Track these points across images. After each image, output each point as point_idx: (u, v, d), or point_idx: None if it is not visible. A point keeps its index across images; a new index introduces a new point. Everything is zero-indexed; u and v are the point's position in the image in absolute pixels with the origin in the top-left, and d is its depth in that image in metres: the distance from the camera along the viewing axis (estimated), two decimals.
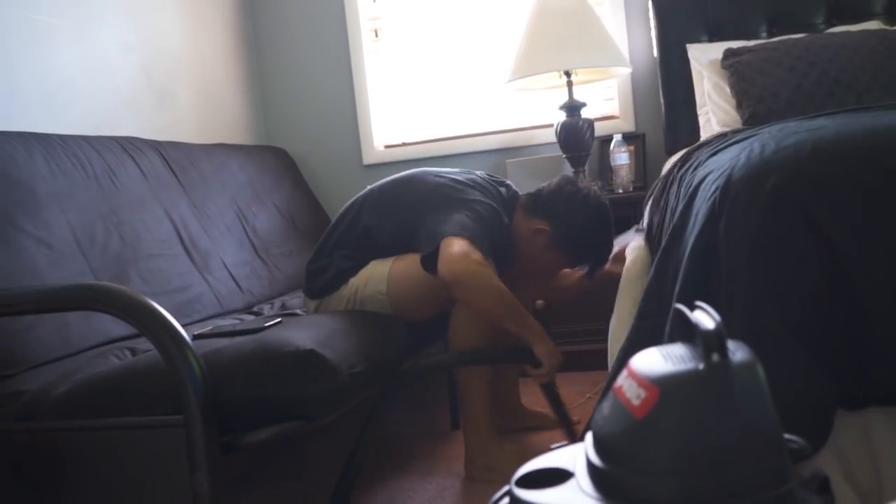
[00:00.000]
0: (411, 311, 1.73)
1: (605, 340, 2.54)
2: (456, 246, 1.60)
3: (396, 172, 1.91)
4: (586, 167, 2.71)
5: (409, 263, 1.71)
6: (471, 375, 1.73)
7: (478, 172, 1.90)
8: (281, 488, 1.88)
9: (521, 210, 1.87)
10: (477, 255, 1.60)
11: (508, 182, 1.95)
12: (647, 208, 1.70)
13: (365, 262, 1.76)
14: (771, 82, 2.17)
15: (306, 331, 1.35)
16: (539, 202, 1.86)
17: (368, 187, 1.91)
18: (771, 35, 2.54)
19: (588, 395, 2.29)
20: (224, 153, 2.59)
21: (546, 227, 1.81)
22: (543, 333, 1.69)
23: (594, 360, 2.51)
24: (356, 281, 1.74)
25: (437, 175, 1.84)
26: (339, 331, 1.43)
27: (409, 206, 1.77)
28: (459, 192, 1.76)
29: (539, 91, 2.87)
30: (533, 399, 2.26)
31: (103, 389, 1.28)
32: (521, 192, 1.95)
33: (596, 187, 1.90)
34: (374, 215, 1.79)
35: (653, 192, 1.70)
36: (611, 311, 1.57)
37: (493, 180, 1.89)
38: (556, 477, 0.66)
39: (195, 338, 1.45)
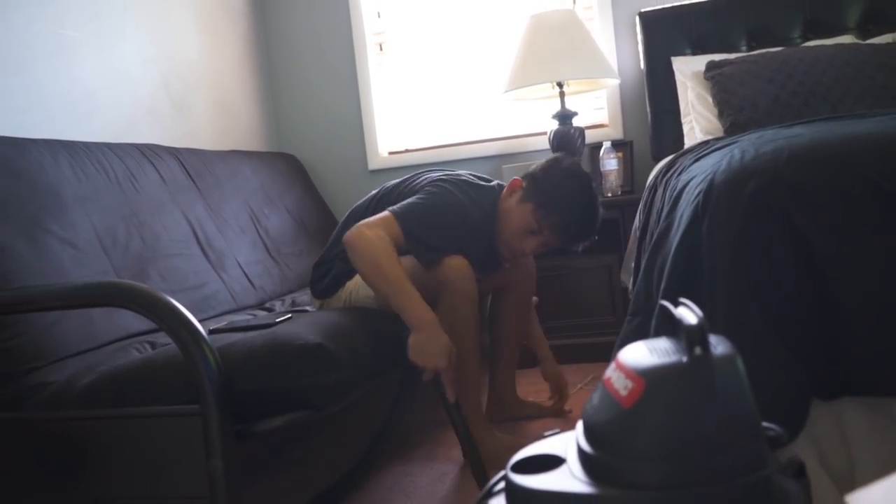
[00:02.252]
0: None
1: (596, 335, 2.56)
2: (374, 218, 1.59)
3: (400, 177, 1.90)
4: None
5: None
6: (462, 372, 1.72)
7: (467, 173, 1.86)
8: (290, 474, 1.88)
9: (503, 192, 1.82)
10: (383, 231, 1.55)
11: (499, 181, 1.90)
12: (638, 212, 1.70)
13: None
14: (751, 93, 2.17)
15: (315, 326, 1.35)
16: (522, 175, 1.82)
17: (375, 190, 1.90)
18: (751, 48, 2.54)
19: (580, 385, 2.29)
20: (238, 159, 2.59)
21: (520, 181, 1.77)
22: (424, 322, 1.49)
23: (585, 353, 2.52)
24: (351, 284, 1.74)
25: (428, 173, 1.82)
26: (346, 325, 1.43)
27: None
28: (431, 183, 1.73)
29: (533, 101, 2.87)
30: (528, 390, 2.26)
31: (125, 381, 1.28)
32: None
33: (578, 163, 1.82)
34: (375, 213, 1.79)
35: (644, 199, 1.70)
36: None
37: (480, 178, 1.85)
38: (549, 463, 0.66)
39: (211, 332, 1.44)
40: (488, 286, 2.01)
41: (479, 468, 1.54)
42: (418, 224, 1.63)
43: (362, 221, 1.61)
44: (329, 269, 1.79)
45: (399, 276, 1.52)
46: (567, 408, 2.07)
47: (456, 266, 1.65)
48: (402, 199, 1.71)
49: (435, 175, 1.79)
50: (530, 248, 1.76)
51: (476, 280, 1.70)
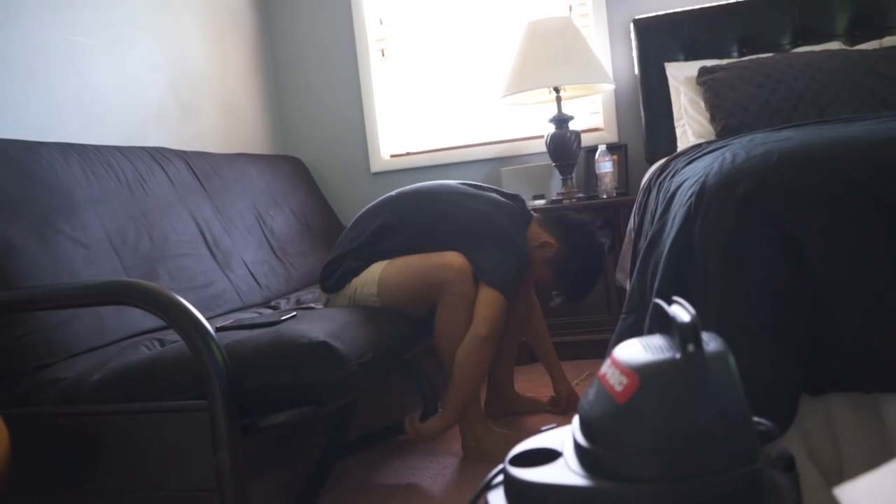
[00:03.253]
0: (400, 310, 1.71)
1: (591, 332, 2.56)
2: (498, 302, 1.66)
3: (401, 179, 1.90)
4: (574, 175, 2.71)
5: (397, 268, 1.71)
6: (463, 369, 1.72)
7: (493, 192, 1.87)
8: (294, 468, 1.88)
9: (536, 222, 1.89)
10: (496, 323, 1.66)
11: (517, 195, 1.93)
12: (632, 214, 1.70)
13: (369, 264, 1.75)
14: (741, 97, 2.17)
15: (319, 324, 1.35)
16: (556, 221, 1.89)
17: (395, 191, 1.88)
18: (742, 54, 2.54)
19: (576, 381, 2.29)
20: (244, 162, 2.58)
21: (554, 242, 1.83)
22: (449, 419, 1.69)
23: (581, 350, 2.52)
24: (357, 281, 1.74)
25: (465, 194, 1.82)
26: (349, 323, 1.43)
27: (435, 216, 1.77)
28: (494, 221, 1.76)
29: (531, 105, 2.87)
30: (525, 385, 2.26)
31: (134, 377, 1.28)
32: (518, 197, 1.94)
33: (600, 233, 1.94)
34: (394, 216, 1.78)
35: (638, 201, 1.70)
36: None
37: (508, 197, 1.88)
38: (546, 456, 0.66)
39: (218, 330, 1.44)
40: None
41: None
42: (514, 280, 1.71)
43: (494, 310, 1.66)
44: (338, 266, 1.79)
45: (478, 378, 1.71)
46: (563, 403, 2.07)
47: (456, 267, 1.65)
48: (456, 224, 1.74)
49: (486, 208, 1.78)
50: (530, 287, 2.00)
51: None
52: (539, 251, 1.84)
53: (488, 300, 1.66)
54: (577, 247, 1.84)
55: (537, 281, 1.94)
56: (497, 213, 1.77)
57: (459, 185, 1.87)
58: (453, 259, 1.66)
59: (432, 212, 1.78)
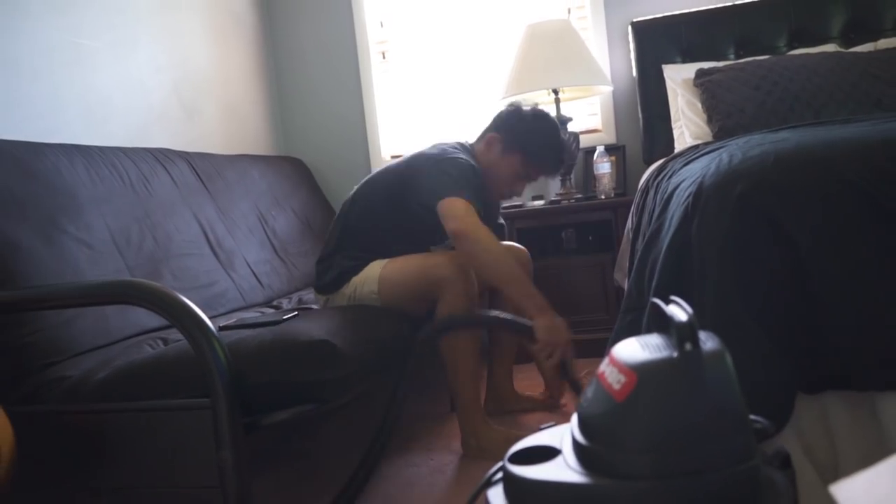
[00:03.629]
0: (400, 308, 1.71)
1: (590, 331, 2.56)
2: (458, 205, 1.61)
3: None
4: (572, 176, 2.71)
5: (397, 267, 1.71)
6: (458, 366, 1.71)
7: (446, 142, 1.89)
8: (297, 465, 1.88)
9: (477, 144, 1.90)
10: (475, 217, 1.61)
11: (464, 140, 1.94)
12: (630, 214, 1.70)
13: (366, 261, 1.75)
14: (738, 99, 2.17)
15: (320, 322, 1.36)
16: (489, 125, 1.90)
17: (356, 187, 1.93)
18: (738, 56, 2.54)
19: None
20: (246, 163, 2.58)
21: (495, 134, 1.84)
22: (545, 307, 1.57)
23: (579, 349, 2.51)
24: (356, 280, 1.74)
25: (399, 160, 1.88)
26: (350, 322, 1.43)
27: (396, 171, 1.81)
28: (443, 151, 1.78)
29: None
30: (525, 385, 2.26)
31: (138, 375, 1.28)
32: None
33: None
34: (367, 196, 1.83)
35: (636, 202, 1.70)
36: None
37: (456, 143, 1.89)
38: (545, 454, 0.66)
39: (221, 329, 1.44)
40: (484, 283, 2.01)
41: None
42: (475, 196, 1.67)
43: (454, 214, 1.61)
44: (331, 265, 1.79)
45: (517, 270, 1.62)
46: (562, 402, 2.07)
47: (455, 264, 1.65)
48: (412, 166, 1.76)
49: (437, 152, 1.79)
50: (520, 189, 1.92)
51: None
52: (489, 152, 1.84)
53: (451, 210, 1.62)
54: (517, 118, 1.84)
55: (512, 182, 1.87)
56: (425, 150, 1.81)
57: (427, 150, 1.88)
58: (452, 256, 1.66)
59: (393, 169, 1.83)
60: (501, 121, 1.86)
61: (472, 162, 1.79)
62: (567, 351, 1.57)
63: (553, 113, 2.64)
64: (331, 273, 1.78)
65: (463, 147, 1.86)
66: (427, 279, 1.65)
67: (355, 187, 1.92)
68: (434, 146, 1.83)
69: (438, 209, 1.64)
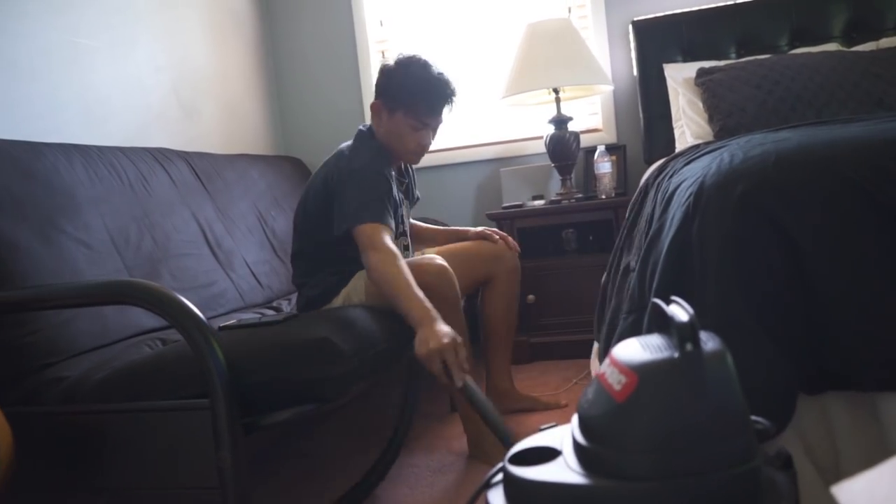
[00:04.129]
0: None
1: (590, 332, 2.56)
2: (364, 234, 1.56)
3: None
4: (573, 175, 2.71)
5: None
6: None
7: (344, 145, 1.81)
8: (297, 465, 1.88)
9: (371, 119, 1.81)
10: (380, 239, 1.55)
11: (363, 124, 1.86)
12: (628, 212, 1.70)
13: (348, 277, 1.71)
14: (739, 98, 2.17)
15: (320, 322, 1.35)
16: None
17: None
18: (739, 56, 2.54)
19: (574, 380, 2.29)
20: (246, 162, 2.58)
21: (376, 101, 1.77)
22: (425, 319, 1.43)
23: (580, 350, 2.51)
24: (344, 292, 1.71)
25: (329, 165, 1.77)
26: (350, 321, 1.42)
27: (316, 198, 1.74)
28: (346, 163, 1.70)
29: (530, 106, 2.87)
30: (524, 385, 2.26)
31: (137, 376, 1.27)
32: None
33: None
34: (309, 222, 1.77)
35: (634, 203, 1.70)
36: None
37: (358, 131, 1.82)
38: (546, 455, 0.66)
39: (220, 329, 1.44)
40: (473, 281, 2.01)
41: (504, 437, 1.39)
42: (378, 202, 1.61)
43: (360, 242, 1.57)
44: (316, 282, 1.75)
45: (401, 286, 1.49)
46: (563, 402, 2.07)
47: (435, 270, 1.63)
48: (337, 211, 1.66)
49: (340, 169, 1.70)
50: (426, 141, 1.78)
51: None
52: (379, 121, 1.76)
53: (359, 239, 1.56)
54: (384, 76, 1.76)
55: (409, 139, 1.74)
56: (331, 165, 1.74)
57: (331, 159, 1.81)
58: (429, 262, 1.65)
59: (313, 209, 1.75)
60: (376, 86, 1.79)
61: (369, 153, 1.72)
62: (453, 360, 1.39)
63: (554, 112, 2.65)
64: (315, 290, 1.74)
65: (362, 134, 1.80)
66: None
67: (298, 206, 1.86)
68: (337, 153, 1.77)
69: (354, 238, 1.61)
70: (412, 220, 2.08)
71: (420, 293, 1.49)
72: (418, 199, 2.03)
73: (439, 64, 1.80)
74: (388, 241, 1.57)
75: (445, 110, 1.78)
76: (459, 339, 1.44)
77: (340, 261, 1.70)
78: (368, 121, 1.84)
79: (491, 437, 1.72)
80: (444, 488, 1.61)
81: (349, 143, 1.80)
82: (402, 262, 1.53)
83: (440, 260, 1.67)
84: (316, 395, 1.22)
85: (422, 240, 2.13)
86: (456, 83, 1.79)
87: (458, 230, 2.12)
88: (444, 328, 1.43)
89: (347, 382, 1.26)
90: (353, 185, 1.65)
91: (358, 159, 1.70)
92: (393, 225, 1.65)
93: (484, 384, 2.06)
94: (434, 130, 1.80)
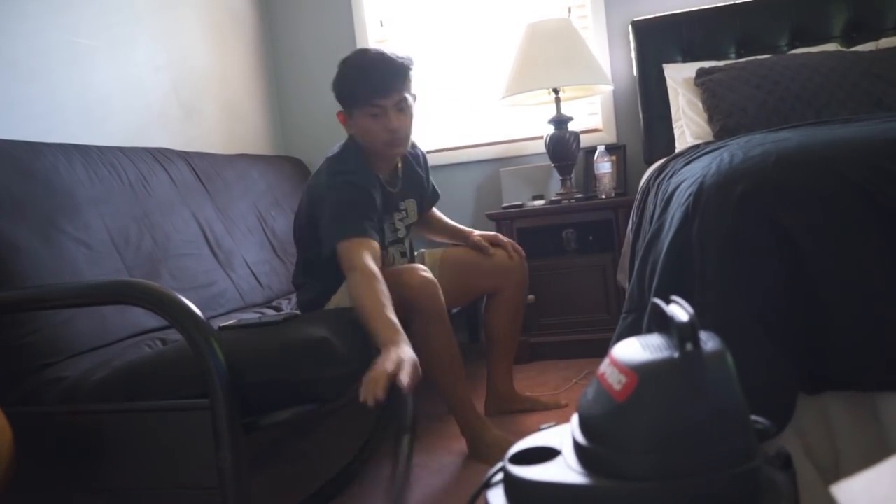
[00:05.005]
0: None
1: (591, 332, 2.56)
2: (342, 252, 1.56)
3: None
4: (573, 175, 2.71)
5: None
6: (450, 380, 1.69)
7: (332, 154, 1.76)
8: (296, 465, 1.88)
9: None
10: (357, 258, 1.53)
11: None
12: (631, 214, 1.70)
13: (338, 282, 1.70)
14: (739, 98, 2.17)
15: (320, 322, 1.35)
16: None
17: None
18: (739, 56, 2.54)
19: (574, 380, 2.29)
20: (246, 163, 2.58)
21: (340, 111, 1.74)
22: (388, 343, 1.35)
23: (580, 350, 2.52)
24: (335, 298, 1.71)
25: (315, 174, 1.78)
26: (350, 322, 1.42)
27: (306, 214, 1.74)
28: (326, 178, 1.68)
29: (530, 106, 2.87)
30: (524, 385, 2.26)
31: (137, 376, 1.28)
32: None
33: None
34: (302, 235, 1.79)
35: (637, 202, 1.70)
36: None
37: (339, 145, 1.78)
38: (546, 455, 0.66)
39: (220, 330, 1.44)
40: (479, 291, 2.02)
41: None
42: (353, 216, 1.59)
43: (341, 260, 1.56)
44: (307, 287, 1.78)
45: (368, 306, 1.44)
46: (563, 402, 2.07)
47: (418, 284, 1.61)
48: (321, 231, 1.65)
49: (321, 186, 1.70)
50: (395, 124, 1.67)
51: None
52: (350, 127, 1.73)
53: (340, 257, 1.55)
54: (334, 84, 1.73)
55: (377, 132, 1.68)
56: (312, 183, 1.73)
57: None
58: (411, 275, 1.62)
59: (304, 223, 1.75)
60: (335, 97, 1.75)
61: (348, 164, 1.69)
62: (391, 384, 1.24)
63: (554, 112, 2.65)
64: (309, 294, 1.76)
65: (346, 144, 1.77)
66: (397, 298, 1.57)
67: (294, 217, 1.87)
68: (324, 163, 1.75)
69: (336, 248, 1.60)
70: (435, 211, 2.05)
71: (391, 315, 1.43)
72: (436, 192, 1.98)
73: (395, 49, 1.72)
74: (366, 258, 1.53)
75: (400, 86, 1.67)
76: (416, 364, 1.34)
77: (333, 270, 1.65)
78: None
79: (488, 438, 1.72)
80: (444, 488, 1.61)
81: (337, 149, 1.77)
82: (377, 282, 1.48)
83: (425, 272, 1.64)
84: (315, 396, 1.22)
85: (432, 231, 2.09)
86: (407, 58, 1.70)
87: (459, 230, 2.06)
88: (404, 353, 1.33)
89: (347, 382, 1.26)
90: (331, 202, 1.63)
91: (335, 175, 1.67)
92: (377, 236, 1.62)
93: (485, 384, 2.06)
94: (399, 111, 1.68)
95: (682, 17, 2.64)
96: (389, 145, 1.71)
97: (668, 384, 0.60)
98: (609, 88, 2.74)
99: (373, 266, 1.53)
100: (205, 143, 2.56)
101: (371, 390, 1.20)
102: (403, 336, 1.40)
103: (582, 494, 0.60)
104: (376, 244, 1.60)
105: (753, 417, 0.63)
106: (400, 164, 1.84)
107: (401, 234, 1.85)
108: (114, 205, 1.78)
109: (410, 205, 1.88)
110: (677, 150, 2.22)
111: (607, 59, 2.84)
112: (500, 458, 0.68)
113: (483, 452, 1.71)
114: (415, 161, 1.91)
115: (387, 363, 1.26)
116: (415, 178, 1.90)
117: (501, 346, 2.04)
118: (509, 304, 2.01)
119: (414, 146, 1.90)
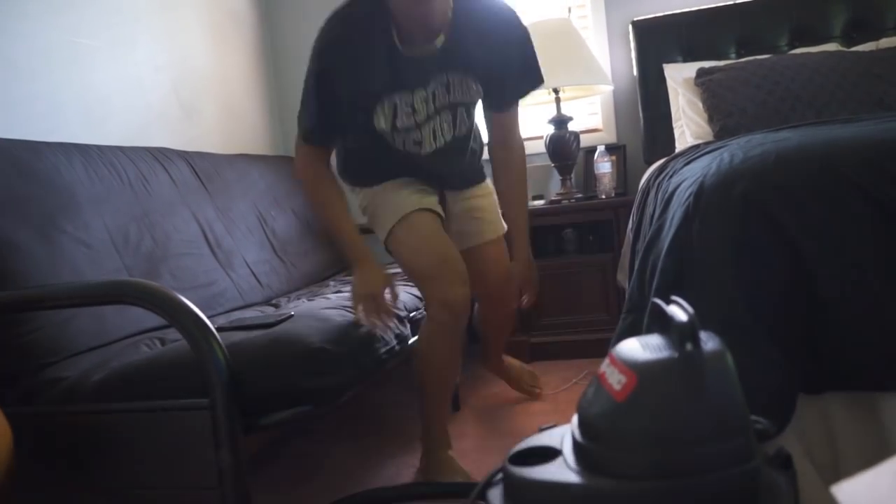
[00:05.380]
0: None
1: (591, 332, 2.56)
2: (297, 153, 1.54)
3: None
4: (572, 175, 2.71)
5: (401, 238, 1.60)
6: (439, 392, 1.66)
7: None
8: (297, 465, 1.88)
9: None
10: (301, 161, 1.52)
11: None
12: (631, 214, 1.70)
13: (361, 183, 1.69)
14: (739, 98, 2.17)
15: (316, 326, 1.34)
16: None
17: None
18: (739, 56, 2.54)
19: (574, 380, 2.29)
20: (246, 162, 2.58)
21: None
22: (360, 258, 1.39)
23: (580, 350, 2.52)
24: (361, 197, 1.70)
25: None
26: (347, 325, 1.42)
27: None
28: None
29: (530, 106, 2.86)
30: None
31: (136, 376, 1.27)
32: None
33: None
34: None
35: (637, 202, 1.70)
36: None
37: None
38: (546, 454, 0.66)
39: (218, 330, 1.44)
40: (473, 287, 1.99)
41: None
42: (304, 116, 1.52)
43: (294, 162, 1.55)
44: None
45: (333, 218, 1.44)
46: (538, 390, 2.16)
47: (450, 300, 1.54)
48: None
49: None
50: None
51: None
52: None
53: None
54: None
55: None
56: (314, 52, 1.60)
57: None
58: (453, 284, 1.54)
59: None
60: None
61: (352, 5, 1.51)
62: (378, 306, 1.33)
63: (554, 112, 2.65)
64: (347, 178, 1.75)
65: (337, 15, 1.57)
66: (412, 274, 1.59)
67: None
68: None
69: None
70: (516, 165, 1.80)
71: (350, 228, 1.46)
72: (526, 80, 1.62)
73: None
74: (310, 161, 1.49)
75: None
76: (390, 285, 1.44)
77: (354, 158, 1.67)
78: None
79: (441, 456, 1.62)
80: None
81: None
82: (327, 188, 1.45)
83: (464, 286, 1.54)
84: (314, 400, 1.22)
85: (497, 177, 1.84)
86: None
87: (515, 221, 1.81)
88: (377, 273, 1.41)
89: (342, 388, 1.26)
90: (304, 87, 1.50)
91: (320, 38, 1.54)
92: (329, 140, 1.51)
93: (485, 384, 2.09)
94: None
95: (682, 17, 2.64)
96: (423, 19, 1.42)
97: (667, 384, 0.60)
98: (609, 88, 2.74)
99: (318, 172, 1.50)
100: (205, 143, 2.56)
101: (367, 319, 1.33)
102: (369, 254, 1.46)
103: (582, 494, 0.60)
104: (324, 149, 1.55)
105: (753, 417, 0.63)
106: (443, 36, 1.48)
107: (420, 116, 1.54)
108: (114, 204, 1.77)
109: (459, 81, 1.54)
110: (677, 150, 2.22)
111: (607, 59, 2.84)
112: (445, 479, 0.68)
113: (433, 469, 1.62)
114: (481, 37, 1.51)
115: (364, 287, 1.36)
116: (473, 53, 1.50)
117: (493, 343, 2.09)
118: (496, 308, 1.95)
119: (488, 18, 1.52)
